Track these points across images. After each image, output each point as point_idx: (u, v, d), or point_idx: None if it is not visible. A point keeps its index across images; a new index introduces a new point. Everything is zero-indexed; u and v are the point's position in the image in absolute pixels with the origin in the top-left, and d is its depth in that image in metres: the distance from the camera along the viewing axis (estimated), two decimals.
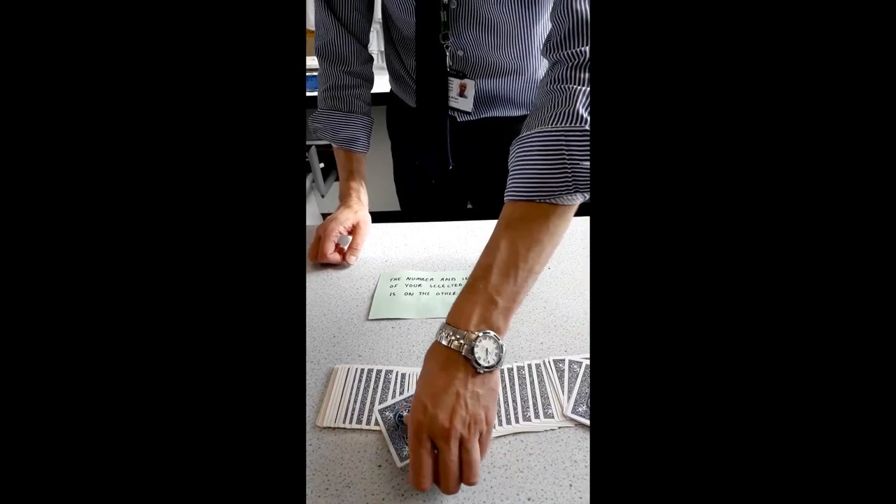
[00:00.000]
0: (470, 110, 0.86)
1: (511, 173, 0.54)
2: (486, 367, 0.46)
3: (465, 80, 0.83)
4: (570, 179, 0.50)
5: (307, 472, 0.46)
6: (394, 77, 0.96)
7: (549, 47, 0.56)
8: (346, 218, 0.80)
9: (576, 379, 0.55)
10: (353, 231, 0.81)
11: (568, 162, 0.50)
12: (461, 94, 0.85)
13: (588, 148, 0.49)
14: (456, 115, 0.87)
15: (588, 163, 0.49)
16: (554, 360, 0.57)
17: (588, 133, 0.49)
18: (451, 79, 0.83)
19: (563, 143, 0.50)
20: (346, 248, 0.78)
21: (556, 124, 0.50)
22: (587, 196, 0.51)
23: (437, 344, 0.48)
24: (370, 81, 0.89)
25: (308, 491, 0.45)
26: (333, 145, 0.88)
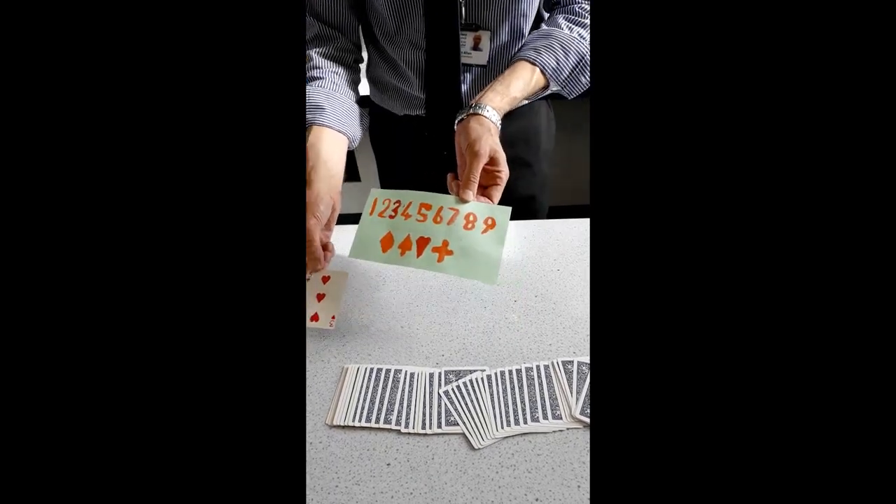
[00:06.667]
0: (485, 63, 0.81)
1: (529, 46, 0.78)
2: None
3: (480, 32, 0.78)
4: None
5: (318, 470, 0.47)
6: (376, 83, 0.90)
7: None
8: (322, 213, 0.63)
9: (584, 380, 0.55)
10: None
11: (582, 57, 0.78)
12: (475, 48, 0.79)
13: (555, 49, 0.77)
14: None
15: (554, 61, 0.77)
16: (562, 362, 0.57)
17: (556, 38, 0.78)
18: (465, 32, 0.78)
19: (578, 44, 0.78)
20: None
21: (573, 32, 0.78)
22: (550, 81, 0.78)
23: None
24: (360, 55, 0.83)
25: (318, 488, 0.45)
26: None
